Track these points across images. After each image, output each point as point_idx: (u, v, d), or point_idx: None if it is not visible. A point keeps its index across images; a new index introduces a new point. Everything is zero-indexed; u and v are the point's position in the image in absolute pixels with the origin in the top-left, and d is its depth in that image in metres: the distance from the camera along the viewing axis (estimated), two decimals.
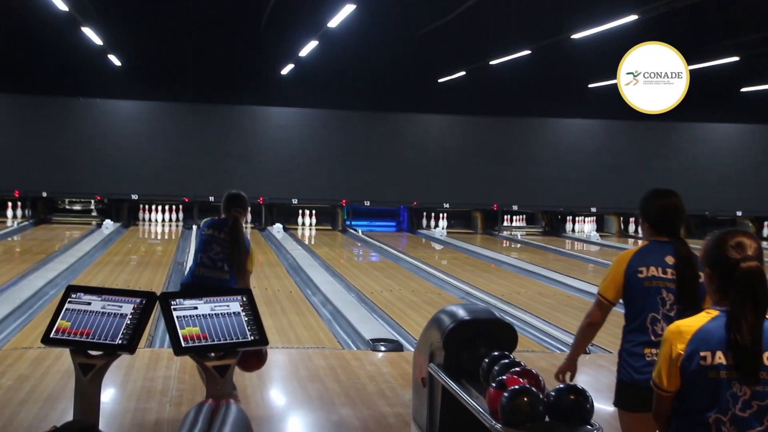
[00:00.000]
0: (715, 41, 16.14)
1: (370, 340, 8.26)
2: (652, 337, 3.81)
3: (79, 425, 2.50)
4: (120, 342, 3.57)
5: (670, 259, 4.02)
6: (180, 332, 3.55)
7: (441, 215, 23.13)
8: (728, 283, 2.70)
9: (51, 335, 3.64)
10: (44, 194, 21.19)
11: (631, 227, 23.83)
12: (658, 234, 4.17)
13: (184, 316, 3.60)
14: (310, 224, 22.37)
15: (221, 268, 5.87)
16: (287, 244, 17.64)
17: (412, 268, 14.84)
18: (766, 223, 23.07)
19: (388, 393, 6.44)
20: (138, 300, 3.67)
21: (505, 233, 22.95)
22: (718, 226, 23.55)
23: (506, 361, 4.73)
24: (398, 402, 6.20)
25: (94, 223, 21.16)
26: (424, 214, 23.09)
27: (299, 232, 21.51)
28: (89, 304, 3.68)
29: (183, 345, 3.55)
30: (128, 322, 3.58)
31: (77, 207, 22.32)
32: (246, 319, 3.70)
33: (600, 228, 23.62)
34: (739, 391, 2.64)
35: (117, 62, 19.96)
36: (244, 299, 3.76)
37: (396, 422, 5.76)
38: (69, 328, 3.61)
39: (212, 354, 3.64)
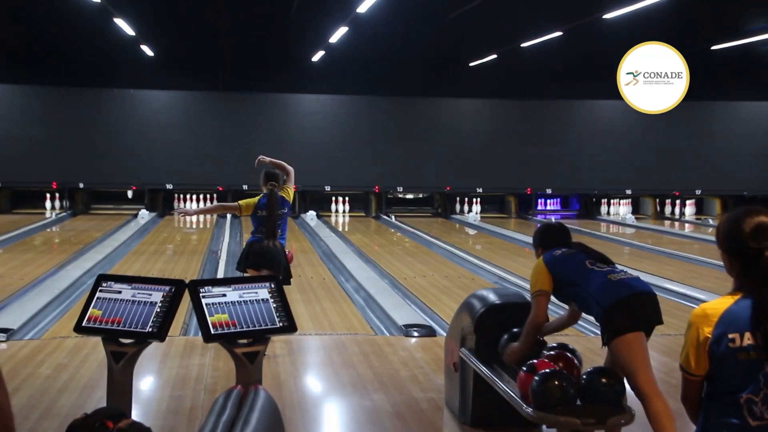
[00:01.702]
0: (747, 19, 15.85)
1: (403, 325, 8.26)
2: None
3: (109, 412, 2.53)
4: (150, 330, 3.60)
5: None
6: (209, 319, 3.57)
7: (474, 200, 23.04)
8: (751, 270, 2.65)
9: (83, 324, 3.69)
10: (81, 185, 21.45)
11: (668, 209, 23.56)
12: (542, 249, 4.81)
13: (213, 303, 3.62)
14: (344, 211, 22.42)
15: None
16: (321, 232, 17.69)
17: (445, 254, 14.81)
18: None
19: (421, 378, 6.44)
20: (167, 288, 3.70)
21: (539, 216, 22.82)
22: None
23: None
24: (431, 387, 6.20)
25: (130, 213, 21.39)
26: (458, 199, 23.03)
27: (332, 219, 21.56)
28: (120, 292, 3.71)
29: (212, 332, 3.57)
30: (158, 309, 3.61)
31: (113, 197, 22.55)
32: (275, 305, 3.72)
33: (635, 210, 23.39)
34: None
35: (150, 52, 20.11)
36: (273, 286, 3.77)
37: (428, 407, 5.76)
38: (100, 317, 3.66)
39: (241, 341, 3.66)
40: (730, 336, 2.62)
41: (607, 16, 14.08)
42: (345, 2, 14.16)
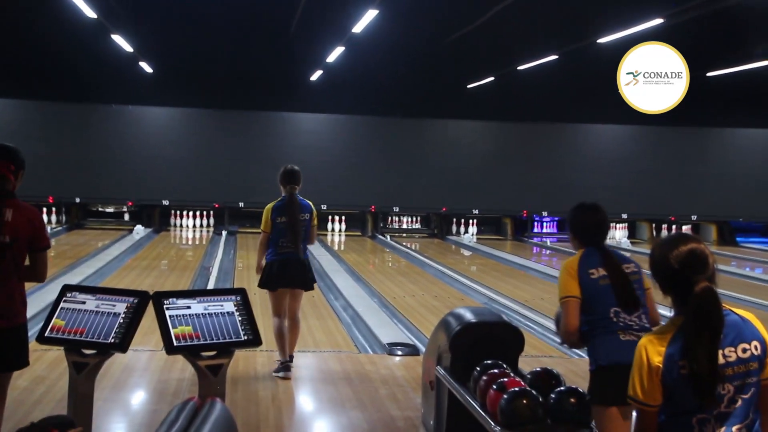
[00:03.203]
0: (744, 45, 15.91)
1: (387, 344, 8.25)
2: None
3: (57, 420, 2.52)
4: (113, 341, 3.60)
5: None
6: (172, 331, 3.57)
7: (470, 221, 23.04)
8: (682, 301, 2.64)
9: (45, 334, 3.69)
10: (77, 200, 21.48)
11: (663, 233, 23.53)
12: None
13: (176, 315, 3.62)
14: (339, 230, 22.42)
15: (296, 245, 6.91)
16: (314, 250, 17.67)
17: (437, 274, 14.80)
18: None
19: (400, 396, 6.42)
20: (131, 299, 3.70)
21: (535, 239, 22.81)
22: (750, 233, 23.28)
23: (495, 370, 4.67)
24: (409, 406, 6.18)
25: (125, 228, 21.40)
26: (454, 220, 23.03)
27: (328, 237, 21.56)
28: (84, 303, 3.72)
29: (175, 344, 3.57)
30: (121, 321, 3.61)
31: (109, 213, 22.56)
32: (240, 318, 3.72)
33: (631, 234, 23.38)
34: (723, 389, 2.61)
35: (148, 69, 20.19)
36: (238, 299, 3.78)
37: (405, 425, 5.74)
38: (63, 327, 3.66)
39: (206, 353, 3.65)
40: (680, 363, 2.61)
41: (602, 40, 14.14)
42: (342, 22, 14.23)
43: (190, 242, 20.39)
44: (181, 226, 22.15)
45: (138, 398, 6.18)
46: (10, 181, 4.16)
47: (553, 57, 16.70)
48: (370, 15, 12.09)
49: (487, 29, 14.97)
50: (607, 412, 3.78)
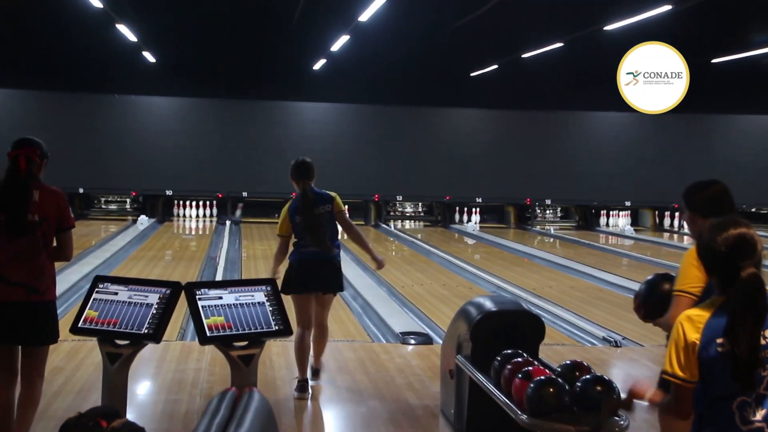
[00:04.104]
0: (751, 31, 15.89)
1: (400, 333, 8.27)
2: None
3: (103, 410, 2.54)
4: (146, 331, 3.61)
5: None
6: (205, 322, 3.58)
7: (474, 210, 23.04)
8: (727, 284, 2.66)
9: (79, 325, 3.70)
10: (81, 190, 21.45)
11: (666, 221, 23.55)
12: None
13: (209, 306, 3.64)
14: None
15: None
16: None
17: (443, 263, 14.82)
18: None
19: (417, 385, 6.44)
20: (164, 290, 3.71)
21: (537, 227, 22.82)
22: (757, 220, 23.28)
23: (519, 359, 4.66)
24: (426, 394, 6.20)
25: (129, 218, 21.39)
26: (457, 208, 23.02)
27: None
28: (116, 294, 3.73)
29: (208, 334, 3.58)
30: (154, 311, 3.62)
31: (113, 203, 22.55)
32: (271, 308, 3.73)
33: (634, 222, 23.39)
34: (763, 370, 2.62)
35: (152, 59, 20.14)
36: (269, 289, 3.78)
37: (424, 414, 5.76)
38: (96, 318, 3.67)
39: (237, 343, 3.67)
40: (719, 341, 2.63)
41: (608, 27, 14.11)
42: (347, 10, 14.19)
43: (193, 232, 20.39)
44: (184, 216, 22.14)
45: (158, 389, 6.20)
46: (37, 164, 4.47)
47: (558, 45, 16.66)
48: (378, 3, 12.04)
49: (491, 17, 14.93)
50: None
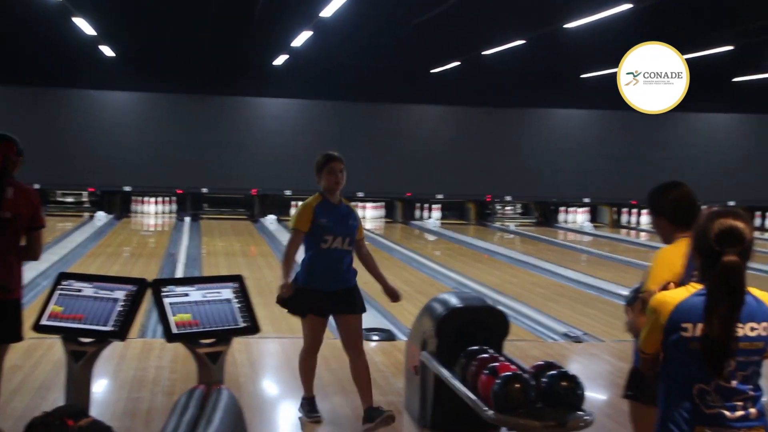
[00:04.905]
0: (709, 30, 16.12)
1: (363, 329, 8.23)
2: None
3: (69, 409, 2.49)
4: (112, 328, 3.56)
5: None
6: (172, 319, 3.54)
7: (434, 206, 23.12)
8: (709, 269, 2.72)
9: (43, 321, 3.64)
10: (37, 186, 21.07)
11: (624, 218, 23.84)
12: (679, 229, 3.69)
13: (175, 303, 3.59)
14: None
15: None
16: (280, 236, 17.59)
17: (405, 259, 14.84)
18: (758, 213, 23.12)
19: (380, 382, 6.44)
20: (130, 286, 3.66)
21: (497, 224, 22.96)
22: None
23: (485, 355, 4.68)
24: (390, 390, 6.20)
25: (86, 215, 21.11)
26: (417, 205, 23.08)
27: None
28: (80, 290, 3.67)
29: (174, 332, 3.54)
30: (120, 308, 3.57)
31: (70, 199, 22.23)
32: (238, 305, 3.70)
33: (593, 218, 23.64)
34: (731, 362, 2.68)
35: (110, 53, 19.88)
36: (237, 286, 3.75)
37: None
38: (62, 313, 3.61)
39: (204, 341, 3.63)
40: (683, 325, 2.70)
41: (569, 25, 14.23)
42: (309, 6, 14.13)
43: (152, 229, 20.18)
44: (143, 212, 21.90)
45: (119, 387, 6.12)
46: (12, 161, 4.43)
47: (520, 42, 16.76)
48: None
49: (453, 14, 14.97)
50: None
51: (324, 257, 5.46)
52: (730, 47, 16.39)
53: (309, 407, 5.59)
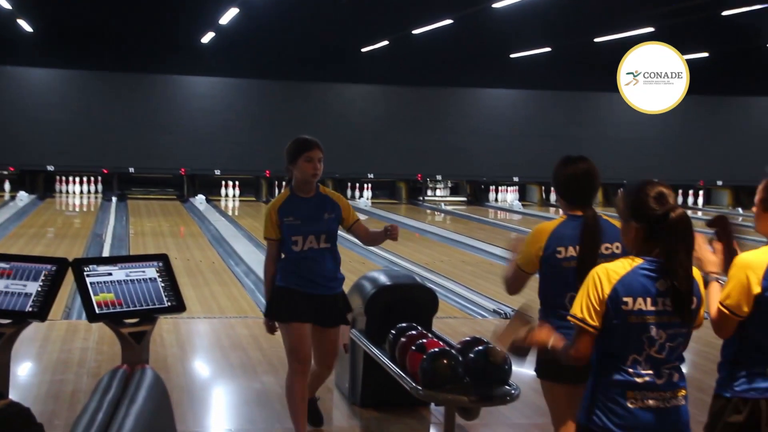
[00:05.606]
0: (632, 11, 16.39)
1: None
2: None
3: (14, 409, 2.41)
4: (30, 309, 3.47)
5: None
6: (93, 299, 3.46)
7: (365, 185, 23.13)
8: (656, 234, 2.78)
9: None
10: None
11: (552, 196, 24.20)
12: (571, 207, 3.62)
13: (98, 282, 3.52)
14: (234, 195, 22.12)
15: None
16: (210, 216, 17.41)
17: None
18: (680, 190, 23.71)
19: None
20: (49, 266, 3.57)
21: (428, 203, 23.09)
22: None
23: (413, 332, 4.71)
24: None
25: (7, 194, 20.54)
26: (349, 184, 23.05)
27: (222, 203, 21.26)
28: None
29: (97, 311, 3.47)
30: (39, 289, 3.48)
31: None
32: (163, 284, 3.64)
33: (522, 197, 23.95)
34: (656, 334, 2.77)
35: (28, 28, 19.28)
36: (161, 265, 3.69)
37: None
38: None
39: (128, 320, 3.56)
40: (624, 299, 2.76)
41: (497, 5, 14.31)
42: None
43: (77, 209, 19.74)
44: (67, 192, 21.41)
45: (42, 369, 5.99)
46: None
47: (448, 22, 16.80)
48: None
49: None
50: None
51: (299, 261, 4.57)
52: (651, 29, 16.67)
53: None
